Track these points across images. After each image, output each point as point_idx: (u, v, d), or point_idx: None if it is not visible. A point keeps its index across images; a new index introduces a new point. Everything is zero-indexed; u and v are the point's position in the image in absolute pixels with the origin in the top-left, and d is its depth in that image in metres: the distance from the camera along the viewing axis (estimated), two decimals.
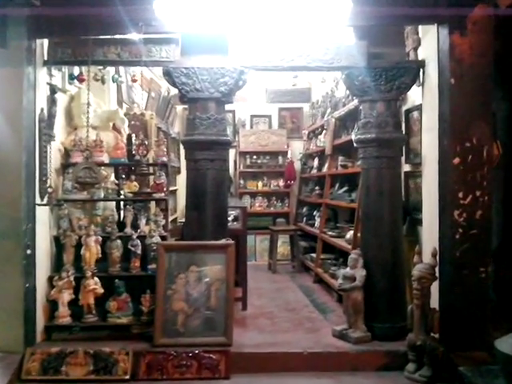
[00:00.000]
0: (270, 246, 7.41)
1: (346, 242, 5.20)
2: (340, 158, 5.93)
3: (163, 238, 4.21)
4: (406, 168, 4.48)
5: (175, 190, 7.28)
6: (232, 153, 8.34)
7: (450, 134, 3.54)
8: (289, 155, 8.16)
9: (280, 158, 8.38)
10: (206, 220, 4.00)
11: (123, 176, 4.58)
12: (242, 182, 8.37)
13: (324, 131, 6.80)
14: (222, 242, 3.94)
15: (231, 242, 3.94)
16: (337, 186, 6.23)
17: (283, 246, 7.82)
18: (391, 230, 3.97)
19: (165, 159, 4.44)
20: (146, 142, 4.24)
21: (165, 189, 4.44)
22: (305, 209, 7.72)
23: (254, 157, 8.38)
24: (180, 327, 3.80)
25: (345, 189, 5.83)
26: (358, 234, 4.67)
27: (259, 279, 6.53)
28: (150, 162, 4.56)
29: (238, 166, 8.32)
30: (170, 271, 3.89)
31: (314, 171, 7.43)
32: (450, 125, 3.54)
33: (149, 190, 4.30)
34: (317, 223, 6.75)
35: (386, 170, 3.98)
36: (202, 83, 3.93)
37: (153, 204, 4.77)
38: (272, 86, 8.44)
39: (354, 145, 4.30)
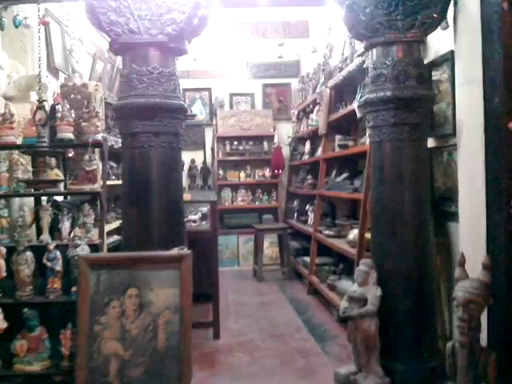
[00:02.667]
0: (254, 248, 6.21)
1: (348, 245, 4.05)
2: (337, 137, 4.75)
3: (95, 248, 3.00)
4: (429, 143, 3.32)
5: None
6: (209, 138, 7.20)
7: (503, 85, 2.50)
8: (276, 140, 7.03)
9: (265, 144, 7.28)
10: (151, 221, 2.80)
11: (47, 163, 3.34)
12: (221, 172, 7.22)
13: (317, 107, 5.63)
14: (174, 251, 2.74)
15: (187, 251, 2.73)
16: (334, 172, 5.12)
17: (271, 248, 6.69)
18: (416, 229, 2.82)
19: (99, 137, 3.21)
20: (47, 108, 2.99)
21: (100, 179, 3.21)
22: (296, 202, 6.72)
23: (235, 142, 7.25)
24: (113, 379, 2.60)
25: (345, 175, 4.70)
26: (367, 235, 3.52)
27: (241, 290, 5.42)
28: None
29: (216, 154, 7.15)
30: (97, 297, 2.67)
31: (306, 157, 6.31)
32: (503, 72, 2.50)
33: (49, 178, 2.99)
34: (310, 220, 5.62)
35: (408, 144, 2.83)
36: (139, 22, 2.72)
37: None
38: (254, 58, 7.34)
39: (358, 114, 3.17)
